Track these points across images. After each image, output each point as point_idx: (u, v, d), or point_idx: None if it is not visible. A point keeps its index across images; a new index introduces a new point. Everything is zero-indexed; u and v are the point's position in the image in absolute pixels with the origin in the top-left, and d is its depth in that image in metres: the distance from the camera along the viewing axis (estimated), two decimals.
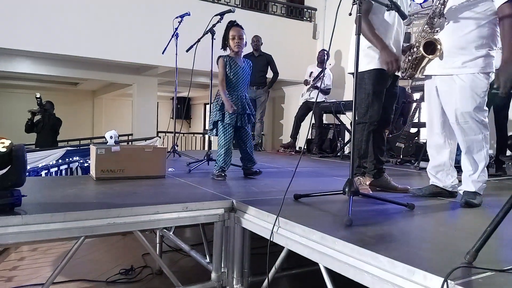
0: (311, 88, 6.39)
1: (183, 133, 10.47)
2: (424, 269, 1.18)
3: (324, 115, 6.55)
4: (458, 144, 2.49)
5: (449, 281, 1.10)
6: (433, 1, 2.27)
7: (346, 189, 1.95)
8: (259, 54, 6.39)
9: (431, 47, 2.30)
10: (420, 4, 6.10)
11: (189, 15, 4.44)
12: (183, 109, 11.86)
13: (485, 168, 2.31)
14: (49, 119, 6.83)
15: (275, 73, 6.50)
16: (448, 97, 2.31)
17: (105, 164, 2.74)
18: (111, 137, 3.32)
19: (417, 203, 2.18)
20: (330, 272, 1.58)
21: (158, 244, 3.31)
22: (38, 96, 6.68)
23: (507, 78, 2.12)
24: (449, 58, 2.27)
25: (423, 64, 2.42)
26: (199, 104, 15.36)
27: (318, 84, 6.20)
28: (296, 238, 1.70)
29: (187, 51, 3.95)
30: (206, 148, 4.09)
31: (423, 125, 3.80)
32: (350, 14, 2.00)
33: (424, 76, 2.53)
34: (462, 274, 1.16)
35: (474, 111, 2.21)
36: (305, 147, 6.67)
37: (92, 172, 2.82)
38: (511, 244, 1.62)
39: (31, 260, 3.38)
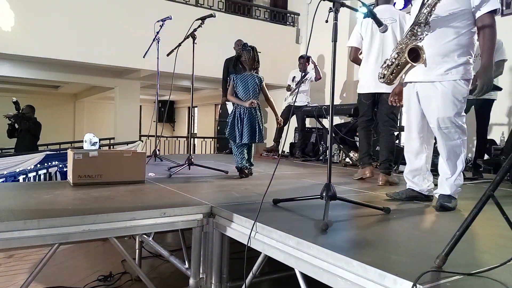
0: (294, 93, 6.43)
1: (166, 137, 10.39)
2: (395, 273, 1.20)
3: (307, 119, 6.60)
4: (433, 148, 2.55)
5: (418, 285, 1.12)
6: (420, 10, 2.29)
7: (324, 194, 1.97)
8: None
9: (414, 54, 2.33)
10: (400, 10, 6.19)
11: (170, 19, 4.42)
12: (167, 113, 11.78)
13: (462, 173, 2.37)
14: (23, 124, 6.70)
15: None
16: (430, 103, 2.35)
17: (83, 169, 2.70)
18: (94, 142, 3.20)
19: (393, 206, 2.22)
20: (306, 277, 1.59)
21: (137, 250, 3.28)
22: (14, 100, 6.56)
23: (485, 83, 2.20)
24: (432, 65, 2.30)
25: (404, 71, 2.45)
26: (183, 108, 15.29)
27: (302, 88, 6.26)
28: (273, 243, 1.71)
29: (167, 55, 3.94)
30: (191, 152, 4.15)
31: (403, 129, 3.86)
32: (326, 21, 2.03)
33: (403, 83, 2.57)
34: (431, 278, 1.18)
35: (454, 117, 2.27)
36: (288, 151, 6.71)
37: (69, 177, 2.77)
38: (480, 246, 1.66)
39: (6, 267, 3.30)
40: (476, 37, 2.32)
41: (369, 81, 3.51)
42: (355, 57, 3.73)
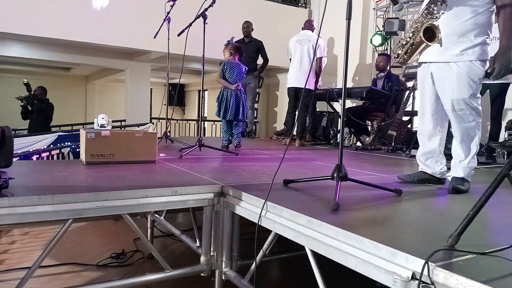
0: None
1: (177, 120, 10.42)
2: (406, 251, 1.20)
3: (318, 102, 6.54)
4: (447, 131, 2.51)
5: (430, 263, 1.11)
6: None
7: (335, 175, 1.96)
8: (249, 40, 6.40)
9: (429, 34, 2.27)
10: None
11: None
12: (178, 96, 11.73)
13: (475, 155, 2.34)
14: (35, 106, 6.75)
15: (265, 59, 6.52)
16: (444, 84, 2.30)
17: (95, 148, 2.72)
18: (102, 119, 3.21)
19: (405, 189, 2.20)
20: (316, 255, 1.60)
21: (149, 229, 3.32)
22: (25, 82, 6.60)
23: (503, 65, 2.14)
24: (448, 45, 2.24)
25: (418, 51, 2.39)
26: (194, 91, 15.27)
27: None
28: (283, 222, 1.71)
29: (178, 35, 3.91)
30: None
31: (416, 113, 3.81)
32: None
33: (417, 63, 2.52)
34: (443, 256, 1.18)
35: (469, 98, 2.22)
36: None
37: (82, 156, 2.81)
38: (493, 228, 1.64)
39: (22, 244, 3.38)
40: (493, 16, 2.25)
41: (293, 79, 5.33)
42: None
